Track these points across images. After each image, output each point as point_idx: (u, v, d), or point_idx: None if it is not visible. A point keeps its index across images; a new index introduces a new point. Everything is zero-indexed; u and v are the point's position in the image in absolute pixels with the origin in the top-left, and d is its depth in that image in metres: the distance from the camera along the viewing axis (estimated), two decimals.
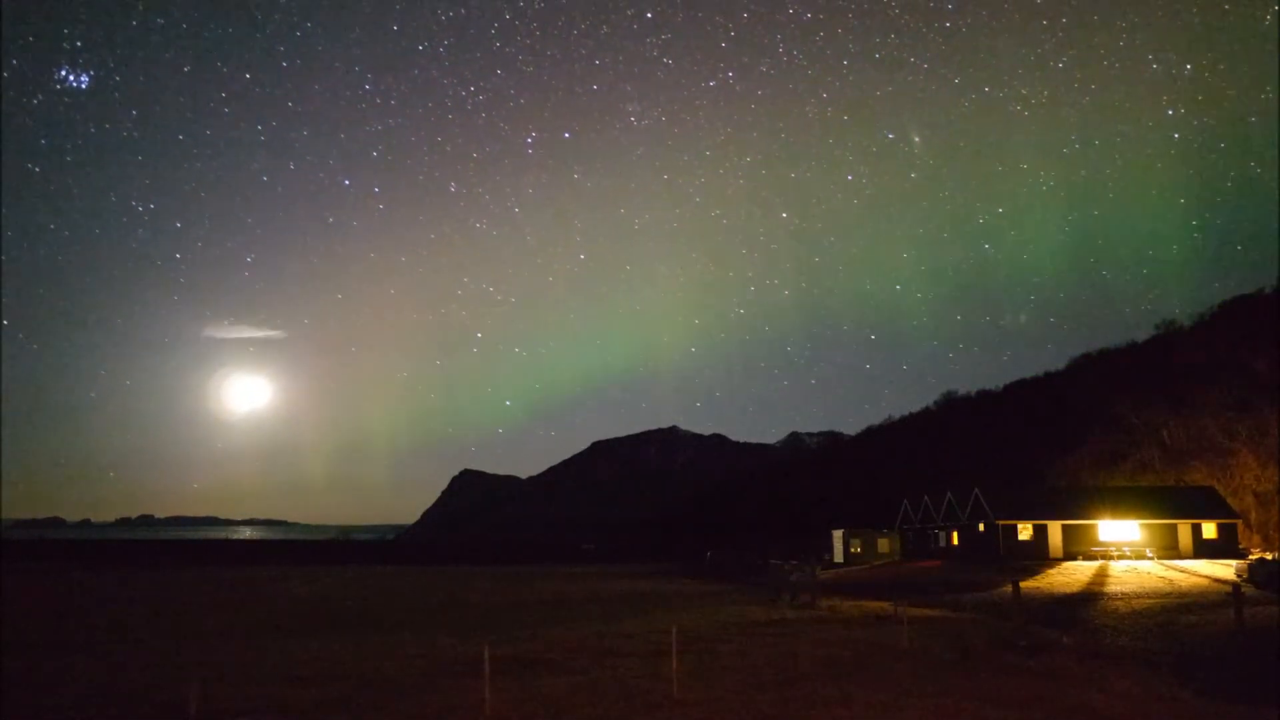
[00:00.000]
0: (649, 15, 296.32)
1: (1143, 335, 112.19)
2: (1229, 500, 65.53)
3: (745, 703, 15.12)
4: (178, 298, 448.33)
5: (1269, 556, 58.58)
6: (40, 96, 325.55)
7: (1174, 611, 31.89)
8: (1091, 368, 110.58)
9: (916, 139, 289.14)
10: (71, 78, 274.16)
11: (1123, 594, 40.27)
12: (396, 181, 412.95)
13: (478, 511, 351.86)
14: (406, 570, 75.66)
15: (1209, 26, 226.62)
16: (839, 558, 78.04)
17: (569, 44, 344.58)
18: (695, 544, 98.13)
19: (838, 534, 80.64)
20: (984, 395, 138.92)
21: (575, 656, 20.81)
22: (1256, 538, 65.98)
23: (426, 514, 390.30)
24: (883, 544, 78.12)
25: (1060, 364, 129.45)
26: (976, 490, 64.46)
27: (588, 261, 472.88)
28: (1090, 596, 39.60)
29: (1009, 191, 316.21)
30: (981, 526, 63.74)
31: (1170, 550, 60.59)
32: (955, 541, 68.32)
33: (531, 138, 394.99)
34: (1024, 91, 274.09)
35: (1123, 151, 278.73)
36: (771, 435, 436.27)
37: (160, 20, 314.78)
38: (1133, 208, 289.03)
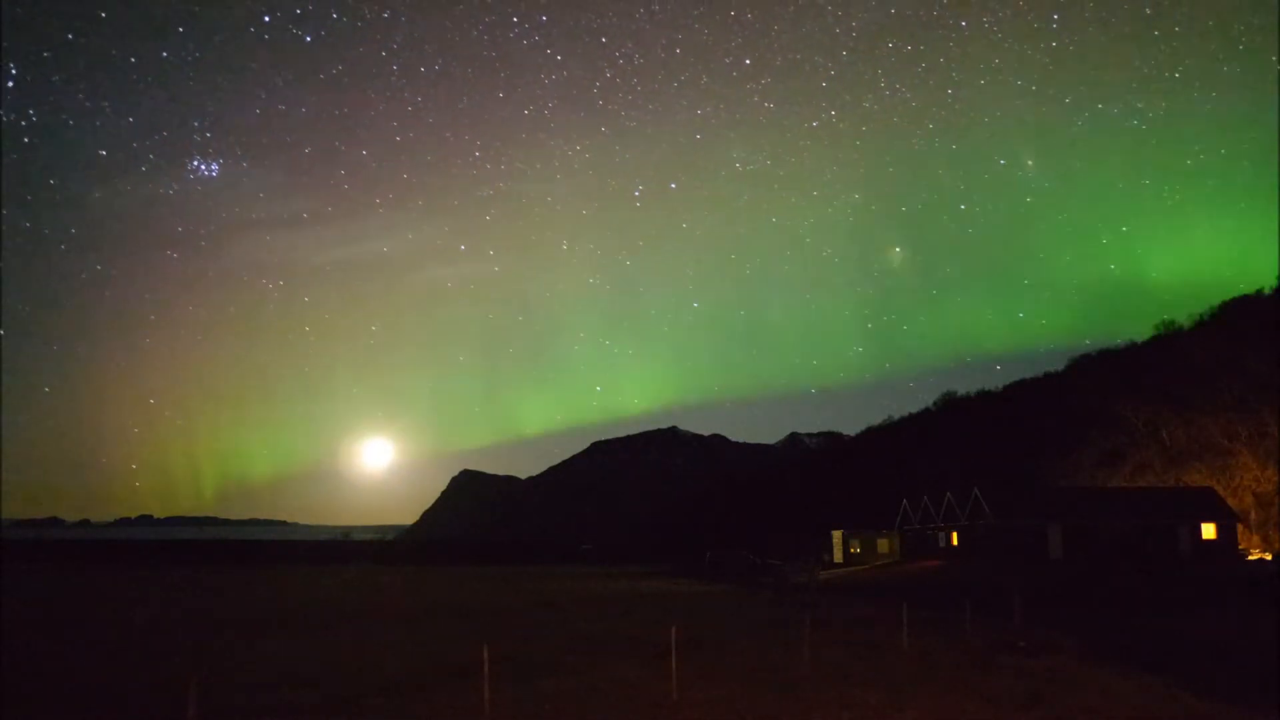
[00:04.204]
0: (747, 61, 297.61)
1: (1142, 335, 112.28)
2: (1229, 501, 65.52)
3: (745, 703, 15.12)
4: (307, 369, 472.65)
5: (1267, 557, 58.69)
6: (175, 186, 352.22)
7: (1173, 612, 31.90)
8: (1091, 368, 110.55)
9: (1030, 163, 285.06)
10: (203, 167, 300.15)
11: (1121, 594, 40.29)
12: (510, 243, 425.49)
13: (477, 512, 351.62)
14: (406, 570, 75.64)
15: None
16: (839, 558, 78.09)
17: (670, 96, 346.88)
18: (695, 544, 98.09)
19: (837, 535, 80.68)
20: (984, 395, 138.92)
21: (574, 657, 20.81)
22: (1256, 538, 65.97)
23: (426, 514, 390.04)
24: (882, 544, 78.17)
25: (1060, 364, 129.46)
26: (976, 490, 64.46)
27: (701, 309, 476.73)
28: (1089, 596, 39.60)
29: (1132, 209, 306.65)
30: (981, 527, 63.75)
31: (1170, 551, 60.60)
32: (955, 542, 68.34)
33: (639, 191, 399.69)
34: (1139, 106, 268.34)
35: (1252, 158, 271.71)
36: (771, 436, 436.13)
37: (282, 106, 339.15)
38: (1269, 217, 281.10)
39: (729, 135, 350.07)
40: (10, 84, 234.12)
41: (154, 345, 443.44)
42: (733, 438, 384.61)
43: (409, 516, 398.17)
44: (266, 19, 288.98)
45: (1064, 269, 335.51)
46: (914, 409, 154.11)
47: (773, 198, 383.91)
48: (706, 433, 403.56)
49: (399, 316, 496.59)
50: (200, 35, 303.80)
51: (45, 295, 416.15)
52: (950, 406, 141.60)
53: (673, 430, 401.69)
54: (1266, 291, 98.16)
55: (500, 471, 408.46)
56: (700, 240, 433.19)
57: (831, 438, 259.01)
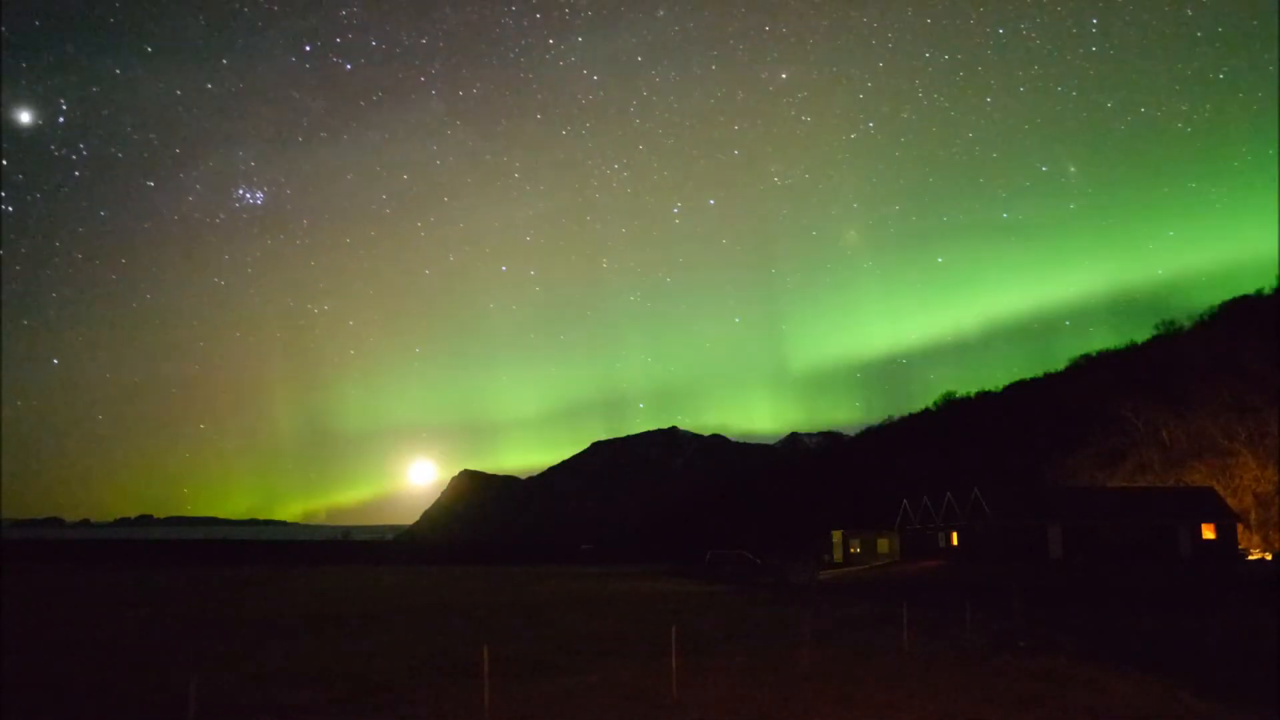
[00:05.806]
0: (784, 76, 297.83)
1: (1143, 335, 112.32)
2: (1229, 501, 65.51)
3: (745, 703, 15.12)
4: (351, 391, 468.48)
5: (1267, 557, 58.75)
6: (221, 215, 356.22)
7: (1172, 612, 31.90)
8: (1091, 368, 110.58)
9: (1072, 169, 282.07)
10: (248, 195, 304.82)
11: (1121, 594, 40.29)
12: (550, 263, 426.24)
13: (477, 512, 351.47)
14: (405, 570, 75.62)
15: None
16: (839, 558, 78.12)
17: (706, 112, 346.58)
18: (695, 544, 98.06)
19: (837, 534, 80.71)
20: (984, 395, 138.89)
21: (574, 657, 20.81)
22: (1256, 538, 65.97)
23: (426, 514, 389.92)
24: (882, 544, 78.20)
25: (1060, 364, 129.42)
26: (976, 490, 64.46)
27: (742, 326, 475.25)
28: (1089, 596, 39.62)
29: (1179, 212, 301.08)
30: (981, 527, 63.75)
31: (1170, 551, 60.60)
32: (955, 542, 68.35)
33: (677, 208, 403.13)
34: (1184, 108, 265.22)
35: None
36: (771, 436, 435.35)
37: (324, 134, 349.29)
38: None
39: (767, 150, 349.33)
40: (61, 119, 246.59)
41: (203, 372, 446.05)
42: (733, 438, 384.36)
43: (409, 516, 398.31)
44: (307, 48, 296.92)
45: (1111, 274, 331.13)
46: (914, 409, 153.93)
47: (812, 211, 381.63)
48: (706, 433, 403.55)
49: (442, 338, 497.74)
50: (243, 66, 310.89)
51: (99, 325, 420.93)
52: (950, 406, 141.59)
53: (673, 430, 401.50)
54: (1266, 292, 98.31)
55: (500, 471, 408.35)
56: (740, 256, 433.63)
57: (831, 438, 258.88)
